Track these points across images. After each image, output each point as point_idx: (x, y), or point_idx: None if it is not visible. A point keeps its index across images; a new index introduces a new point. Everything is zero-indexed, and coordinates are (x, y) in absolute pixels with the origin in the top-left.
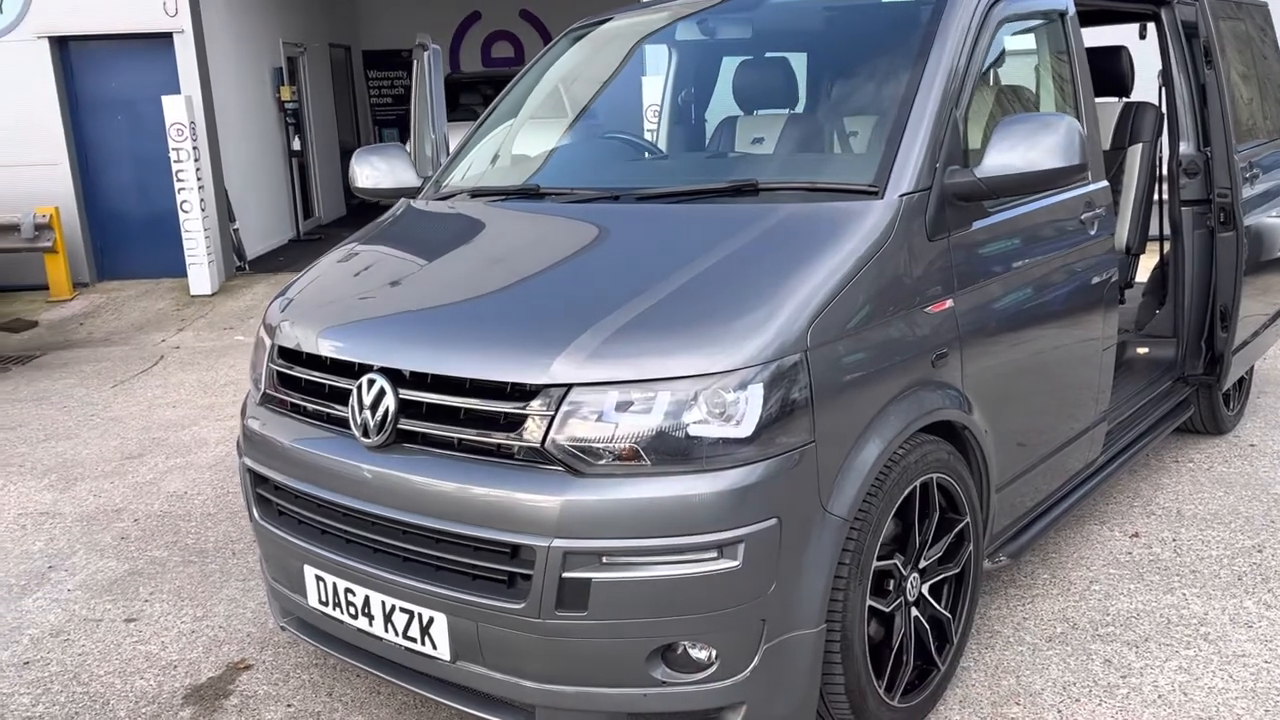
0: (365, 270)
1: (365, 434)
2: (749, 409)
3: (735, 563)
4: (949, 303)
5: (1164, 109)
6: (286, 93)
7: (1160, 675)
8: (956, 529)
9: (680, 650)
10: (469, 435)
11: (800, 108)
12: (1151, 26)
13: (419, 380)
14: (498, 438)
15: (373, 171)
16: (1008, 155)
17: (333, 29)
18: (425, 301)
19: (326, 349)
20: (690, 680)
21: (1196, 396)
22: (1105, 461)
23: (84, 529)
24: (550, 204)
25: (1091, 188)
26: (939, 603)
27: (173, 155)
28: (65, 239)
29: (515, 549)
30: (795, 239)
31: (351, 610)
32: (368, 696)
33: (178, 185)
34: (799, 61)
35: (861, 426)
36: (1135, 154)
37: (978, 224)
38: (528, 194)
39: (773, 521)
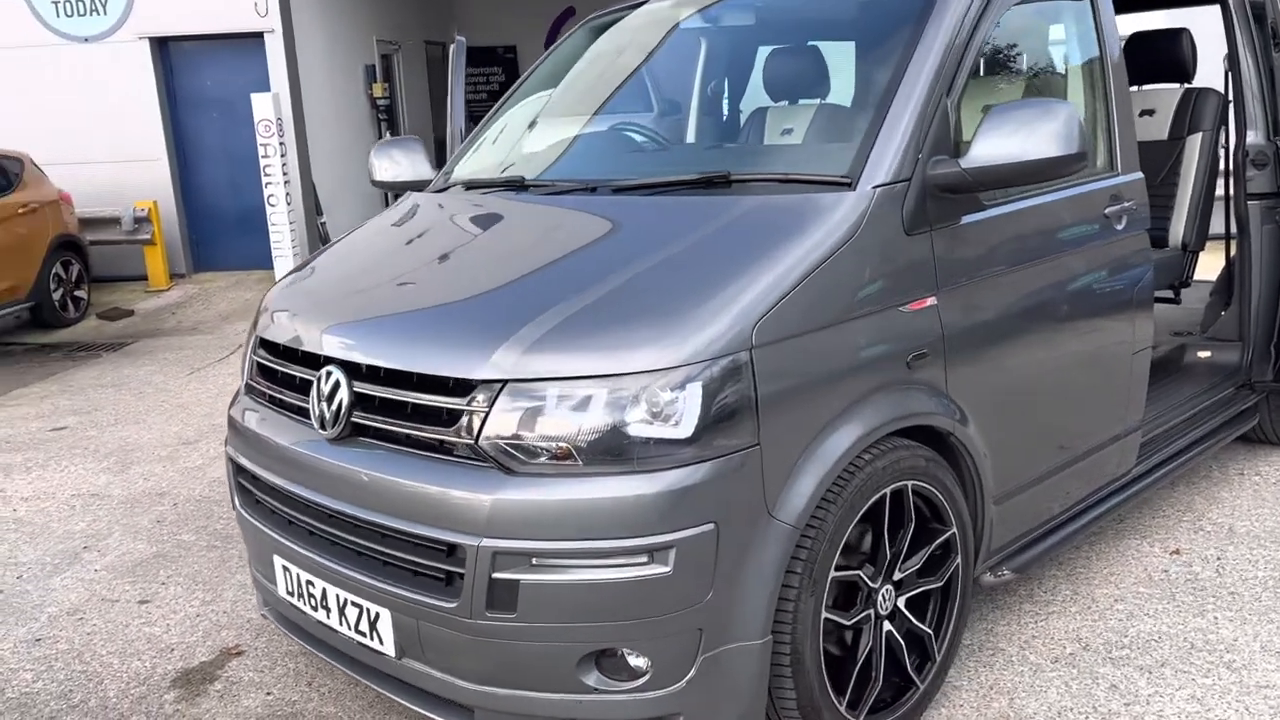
0: (346, 262)
1: (323, 426)
2: (687, 409)
3: (666, 568)
4: (930, 301)
5: (1230, 96)
6: (379, 89)
7: (1168, 704)
8: (940, 540)
9: (615, 657)
10: (414, 430)
11: (793, 97)
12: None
13: (373, 373)
14: (439, 433)
15: (391, 164)
16: (996, 144)
17: (429, 26)
18: (386, 294)
19: (294, 340)
20: (624, 689)
21: (1266, 404)
22: (1144, 473)
23: (126, 511)
24: (526, 196)
25: (1119, 180)
26: (921, 617)
27: (260, 151)
28: (163, 232)
29: (452, 547)
30: (756, 233)
31: (312, 602)
32: (345, 688)
33: (264, 180)
34: (796, 48)
35: (816, 429)
36: (1194, 144)
37: (969, 218)
38: (513, 185)
39: (709, 527)
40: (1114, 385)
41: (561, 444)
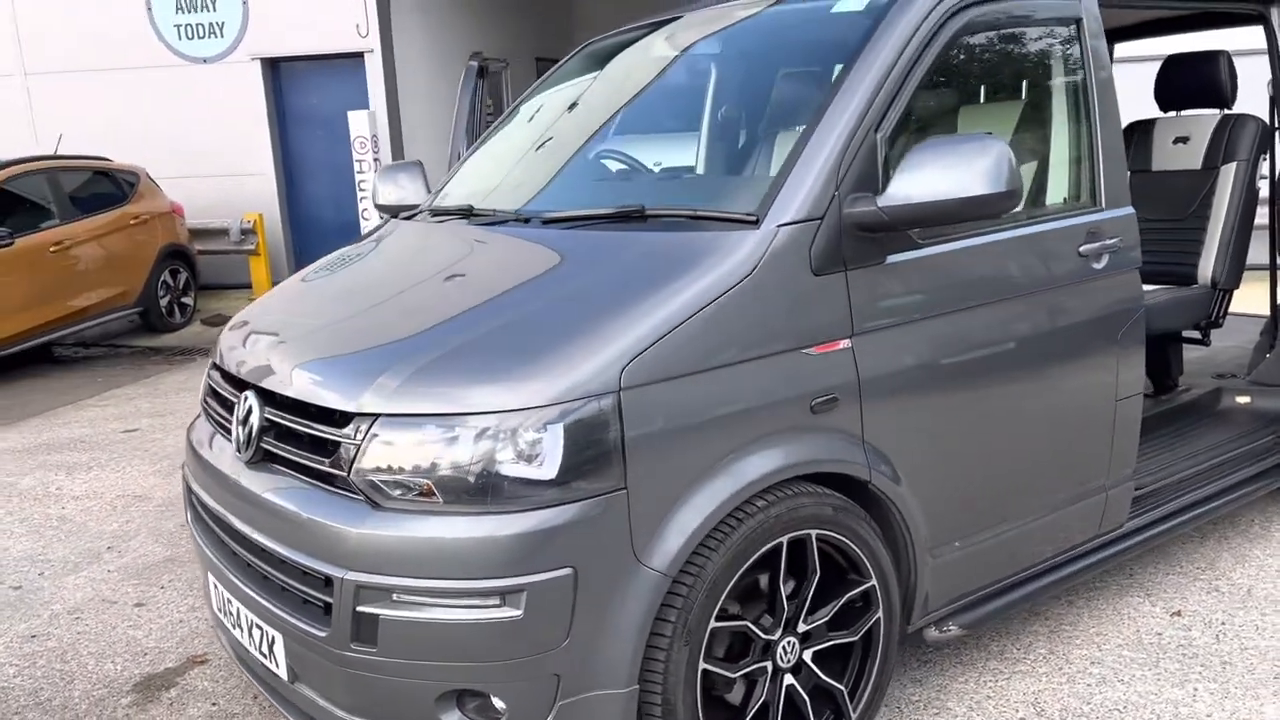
0: (301, 285)
1: (239, 449)
2: (549, 450)
3: (517, 612)
4: (843, 344)
5: (1275, 123)
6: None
7: None
8: (858, 592)
9: (476, 698)
10: (307, 459)
11: (728, 129)
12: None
13: (281, 400)
14: (324, 464)
15: (395, 189)
16: (917, 182)
17: (542, 44)
18: (307, 320)
19: (228, 362)
20: None
21: None
22: (1142, 526)
23: (158, 514)
24: (465, 225)
25: (1100, 216)
26: (838, 671)
27: (356, 167)
28: (267, 243)
29: (328, 578)
30: (650, 271)
31: (232, 619)
32: None
33: (359, 194)
34: (742, 78)
35: (695, 474)
36: (1228, 174)
37: (896, 258)
38: (462, 213)
39: (566, 572)
40: (1090, 435)
41: (424, 480)
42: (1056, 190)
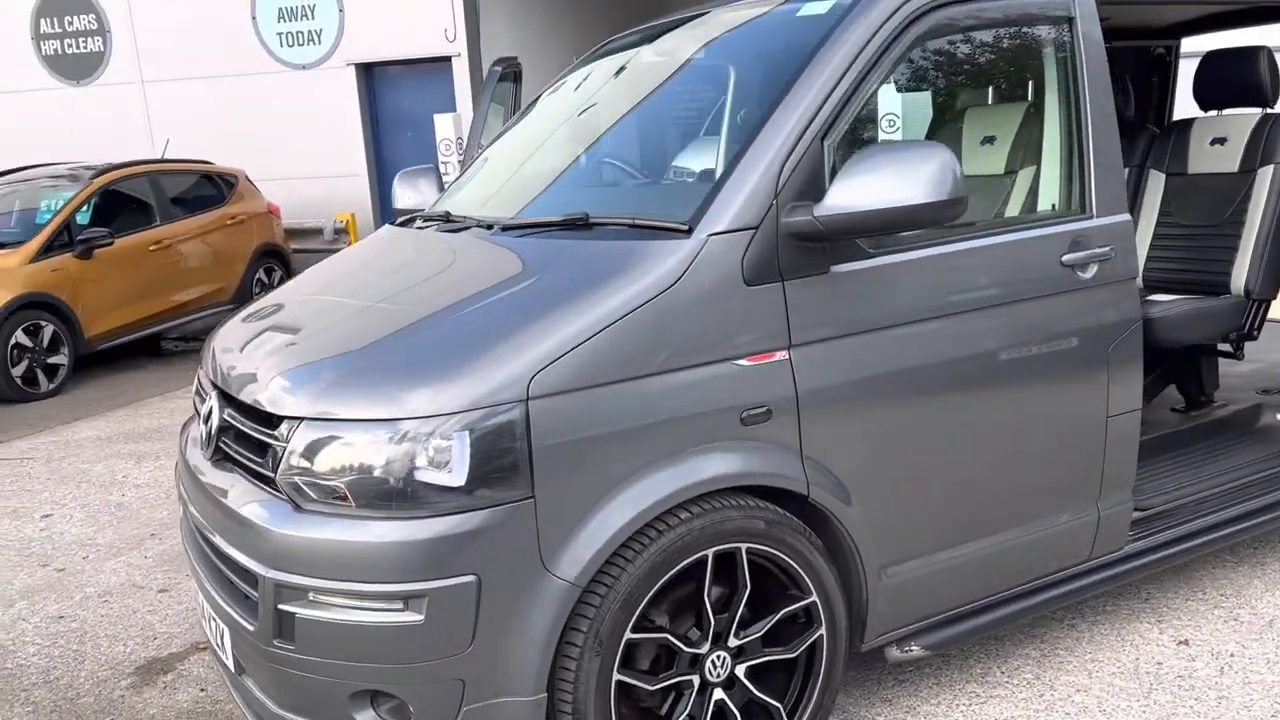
0: (290, 288)
1: (202, 446)
2: (458, 458)
3: (419, 617)
4: (779, 355)
5: None
6: None
7: None
8: (798, 607)
9: (388, 699)
10: (248, 460)
11: (689, 136)
12: None
13: (236, 402)
14: (260, 465)
15: (414, 193)
16: (854, 190)
17: None
18: (269, 324)
19: (205, 364)
20: None
21: None
22: (1147, 549)
23: None
24: (434, 233)
25: (1089, 224)
26: (783, 688)
27: (441, 168)
28: (359, 241)
29: (255, 575)
30: (578, 279)
31: (204, 612)
32: None
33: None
34: (712, 85)
35: (609, 485)
36: (1265, 177)
37: (846, 267)
38: (442, 220)
39: (469, 579)
40: (1075, 453)
41: (338, 484)
42: (1038, 198)
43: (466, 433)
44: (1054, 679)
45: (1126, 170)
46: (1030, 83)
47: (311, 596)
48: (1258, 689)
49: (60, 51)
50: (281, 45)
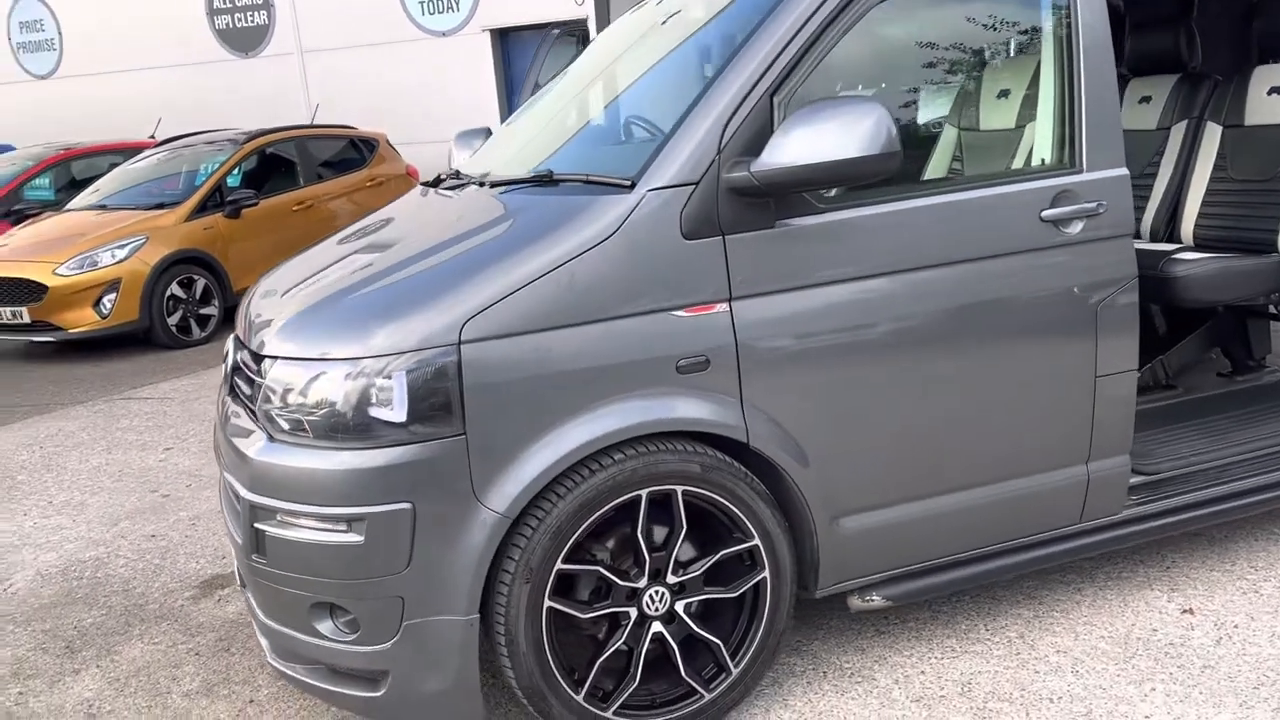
0: (320, 243)
1: (223, 385)
2: (399, 395)
3: (360, 538)
4: (719, 307)
5: None
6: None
7: None
8: (739, 550)
9: (344, 612)
10: (244, 395)
11: (663, 95)
12: None
13: (243, 344)
14: (249, 401)
15: (467, 153)
16: (790, 146)
17: None
18: (284, 273)
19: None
20: (342, 640)
21: None
22: (1150, 515)
23: None
24: (441, 191)
25: (1076, 178)
26: (726, 626)
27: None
28: None
29: (240, 496)
30: (525, 231)
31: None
32: None
33: None
34: (691, 45)
35: (539, 426)
36: None
37: (790, 222)
38: (453, 178)
39: (405, 505)
40: (1056, 412)
41: (298, 416)
42: (1025, 152)
43: (404, 373)
44: (1037, 639)
45: (1185, 122)
46: (1019, 37)
47: (279, 517)
48: (1249, 661)
49: (231, 25)
50: (423, 13)
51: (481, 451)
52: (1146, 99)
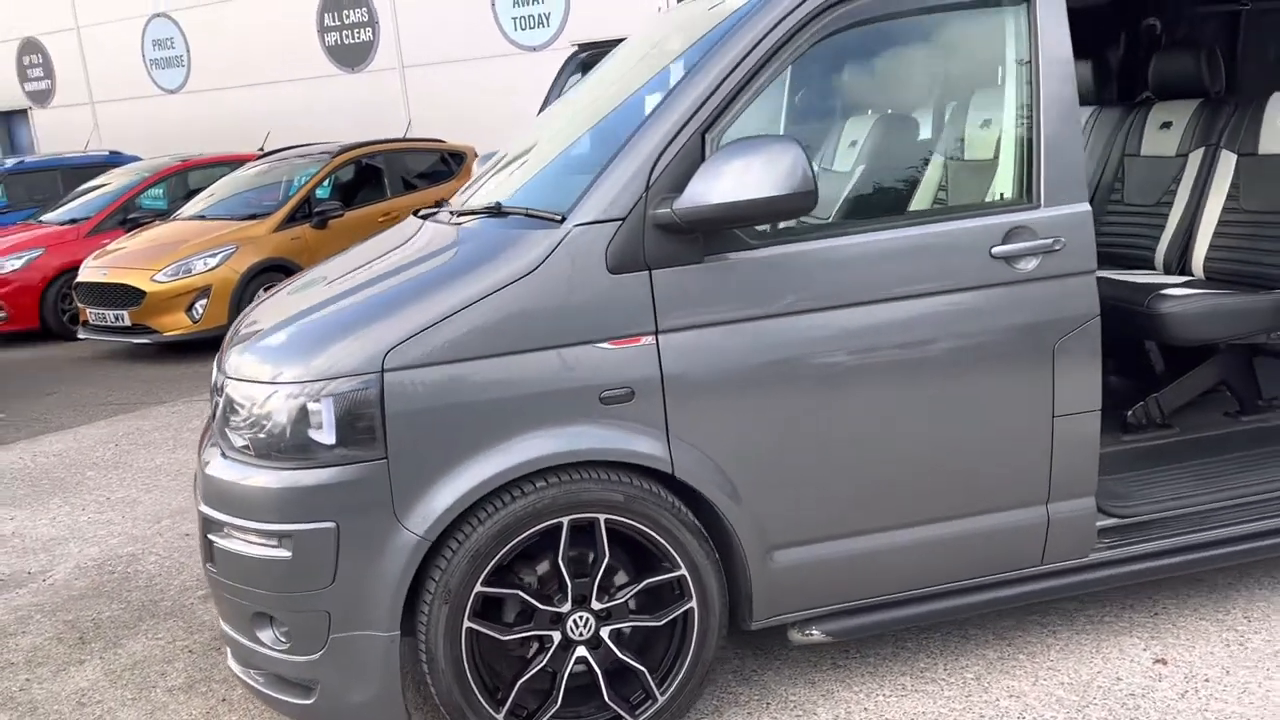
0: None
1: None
2: (326, 418)
3: (288, 554)
4: (645, 340)
5: None
6: None
7: None
8: (666, 579)
9: (280, 623)
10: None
11: (611, 131)
12: None
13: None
14: (212, 416)
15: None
16: (710, 184)
17: None
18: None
19: None
20: (279, 649)
21: None
22: (1123, 559)
23: None
24: (419, 221)
25: (1028, 215)
26: (654, 654)
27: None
28: None
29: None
30: (459, 263)
31: None
32: None
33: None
34: (644, 81)
35: (460, 452)
36: None
37: (720, 258)
38: (435, 208)
39: (329, 524)
40: (1011, 452)
41: (243, 434)
42: (969, 188)
43: (332, 398)
44: (994, 682)
45: (1202, 150)
46: (967, 69)
47: (225, 530)
48: (1208, 717)
49: (339, 42)
50: (516, 29)
51: (402, 475)
52: (1167, 124)
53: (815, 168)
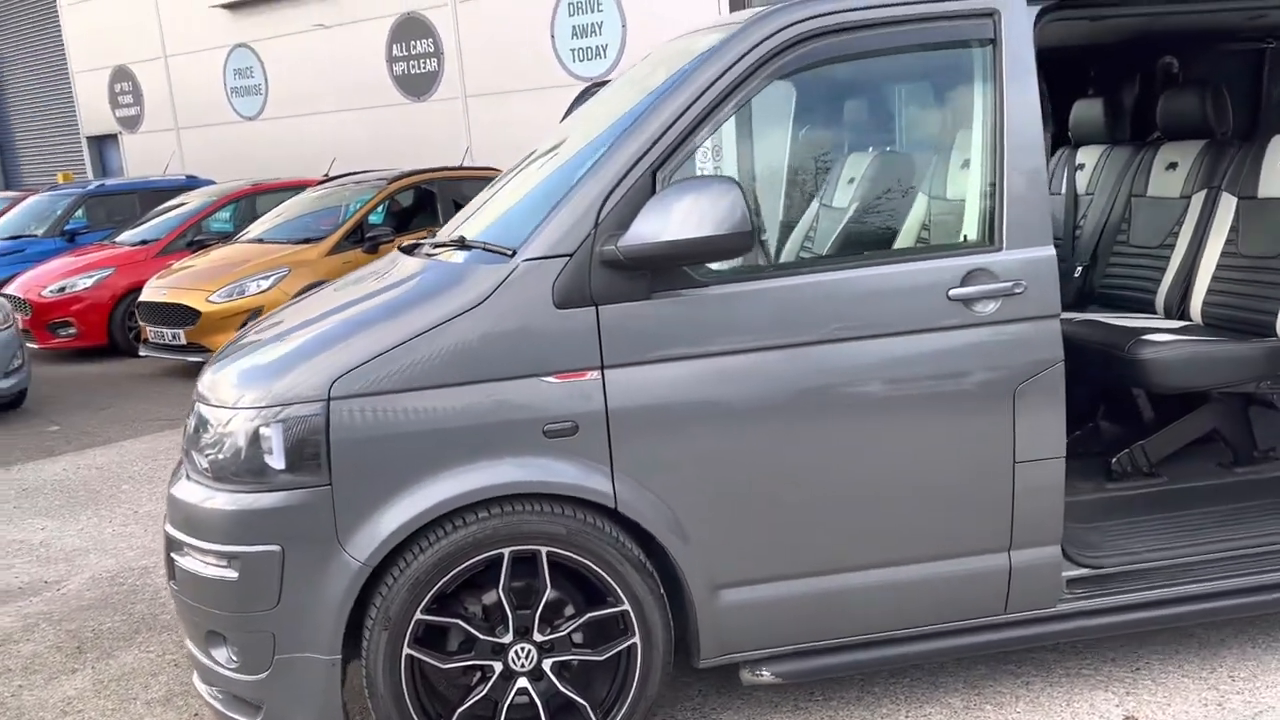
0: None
1: None
2: (276, 444)
3: (235, 575)
4: (590, 375)
5: None
6: None
7: None
8: (608, 613)
9: (231, 641)
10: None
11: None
12: None
13: None
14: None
15: None
16: (653, 223)
17: None
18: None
19: None
20: (230, 667)
21: None
22: (1094, 610)
23: None
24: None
25: (989, 258)
26: (594, 687)
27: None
28: None
29: None
30: (414, 294)
31: None
32: None
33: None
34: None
35: (402, 481)
36: None
37: (668, 295)
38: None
39: (274, 548)
40: (970, 498)
41: (203, 457)
42: (931, 229)
43: (280, 424)
44: None
45: (1204, 192)
46: (938, 112)
47: (184, 549)
48: None
49: (406, 72)
50: (574, 60)
51: (346, 502)
52: (1173, 165)
53: (784, 206)
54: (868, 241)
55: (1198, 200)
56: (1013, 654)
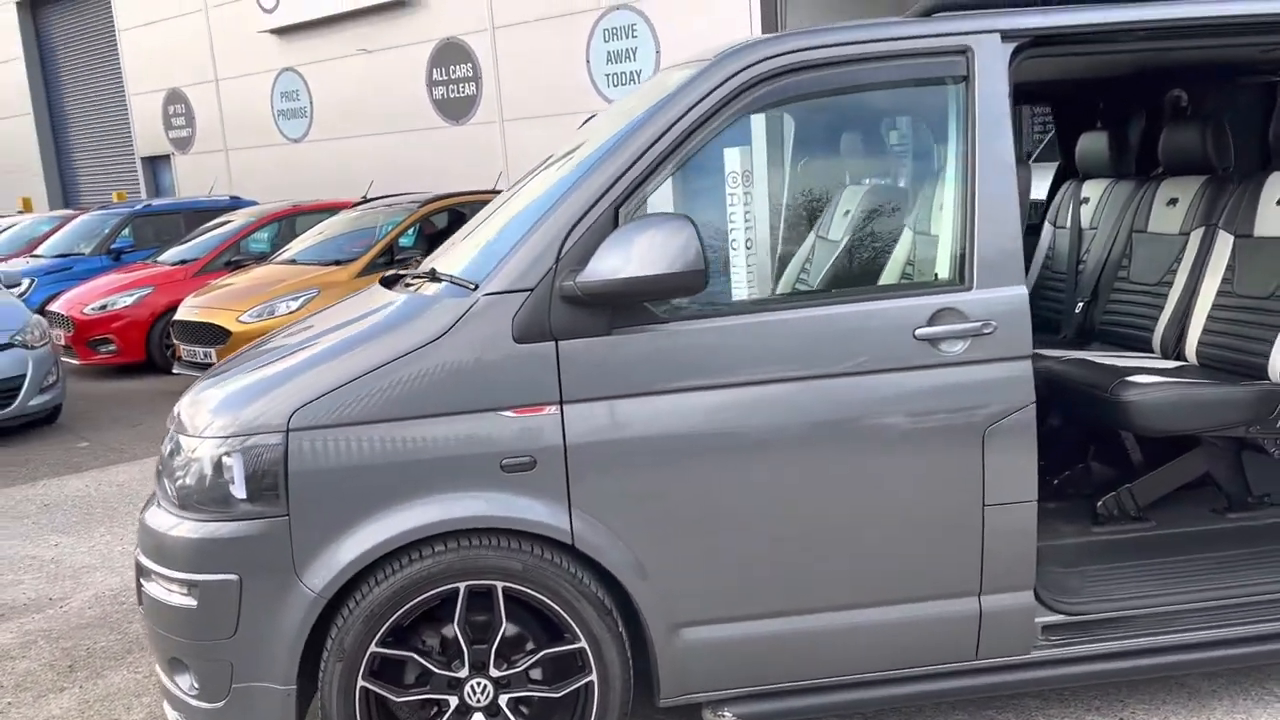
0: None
1: None
2: (237, 474)
3: (194, 602)
4: (548, 410)
5: None
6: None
7: None
8: (564, 650)
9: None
10: None
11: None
12: None
13: None
14: None
15: None
16: (610, 260)
17: None
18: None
19: None
20: (190, 694)
21: None
22: (1072, 658)
23: None
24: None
25: (958, 297)
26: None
27: (728, 200)
28: None
29: None
30: (372, 328)
31: None
32: None
33: (729, 227)
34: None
35: (358, 513)
36: None
37: (628, 331)
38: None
39: (232, 577)
40: (937, 541)
41: (170, 485)
42: (899, 268)
43: (240, 454)
44: None
45: (1203, 229)
46: (910, 149)
47: (151, 576)
48: None
49: (446, 96)
50: (609, 85)
51: (303, 533)
52: (1174, 201)
53: (748, 242)
54: (834, 279)
55: (1195, 237)
56: (994, 700)
